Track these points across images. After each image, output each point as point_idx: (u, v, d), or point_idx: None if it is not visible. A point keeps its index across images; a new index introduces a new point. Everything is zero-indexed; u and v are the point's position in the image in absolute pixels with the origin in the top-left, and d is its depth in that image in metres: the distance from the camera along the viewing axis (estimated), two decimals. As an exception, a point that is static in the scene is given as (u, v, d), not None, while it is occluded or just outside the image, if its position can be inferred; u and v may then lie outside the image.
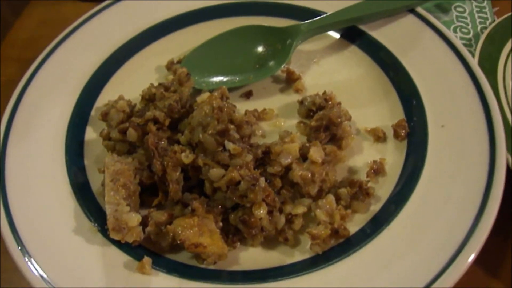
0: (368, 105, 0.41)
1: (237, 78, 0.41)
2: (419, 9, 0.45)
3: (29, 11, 0.58)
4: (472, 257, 0.31)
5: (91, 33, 0.45)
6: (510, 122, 0.40)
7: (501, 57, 0.45)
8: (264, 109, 0.40)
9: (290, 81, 0.42)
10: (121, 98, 0.40)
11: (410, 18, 0.45)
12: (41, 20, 0.56)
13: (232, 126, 0.35)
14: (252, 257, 0.34)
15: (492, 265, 0.36)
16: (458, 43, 0.42)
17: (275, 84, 0.42)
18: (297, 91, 0.41)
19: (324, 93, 0.40)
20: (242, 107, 0.40)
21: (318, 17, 0.44)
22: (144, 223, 0.34)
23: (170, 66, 0.43)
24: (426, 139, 0.38)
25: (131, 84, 0.43)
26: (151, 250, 0.34)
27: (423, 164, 0.36)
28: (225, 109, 0.36)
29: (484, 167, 0.35)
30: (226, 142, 0.34)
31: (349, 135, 0.38)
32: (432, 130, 0.38)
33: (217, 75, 0.41)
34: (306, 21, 0.43)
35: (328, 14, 0.44)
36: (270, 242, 0.35)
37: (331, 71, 0.43)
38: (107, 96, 0.42)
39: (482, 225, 0.32)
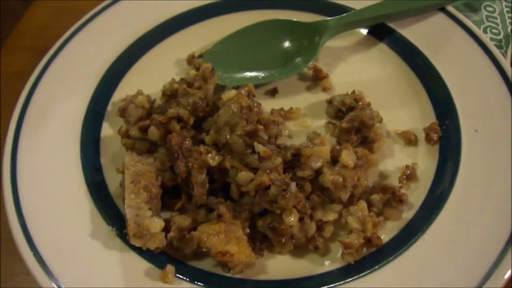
0: (397, 106, 0.39)
1: (262, 75, 0.39)
2: (450, 8, 0.43)
3: (40, 1, 0.56)
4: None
5: (108, 23, 0.43)
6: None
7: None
8: (291, 108, 0.38)
9: (317, 79, 0.40)
10: (140, 93, 0.38)
11: (441, 17, 0.43)
12: (53, 10, 0.53)
13: (261, 127, 0.33)
14: (280, 265, 0.32)
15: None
16: (491, 44, 0.41)
17: (301, 82, 0.40)
18: (325, 89, 0.39)
19: (353, 92, 0.38)
20: (267, 105, 0.38)
21: (347, 13, 0.42)
22: (166, 228, 0.32)
23: (191, 60, 0.41)
24: (460, 143, 0.36)
25: (150, 78, 0.41)
26: (173, 257, 0.32)
27: (457, 170, 0.35)
28: (255, 109, 0.34)
29: None
30: (255, 144, 0.32)
31: (381, 138, 0.36)
32: (466, 134, 0.37)
33: (241, 71, 0.39)
34: (334, 17, 0.41)
35: (356, 10, 0.42)
36: (299, 250, 0.33)
37: (359, 70, 0.41)
38: (124, 90, 0.40)
39: None
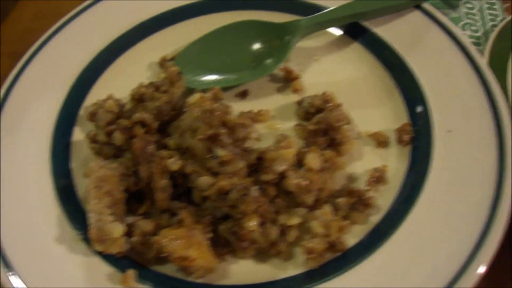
0: (370, 107, 0.39)
1: (232, 77, 0.39)
2: (426, 5, 0.42)
3: (24, 3, 0.56)
4: (481, 271, 0.29)
5: (82, 28, 0.43)
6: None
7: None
8: (260, 110, 0.38)
9: (288, 80, 0.39)
10: (110, 97, 0.38)
11: (417, 15, 0.42)
12: (36, 13, 0.53)
13: (223, 131, 0.33)
14: (243, 270, 0.32)
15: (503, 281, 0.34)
16: (467, 42, 0.40)
17: (272, 83, 0.40)
18: (296, 91, 0.39)
19: (324, 93, 0.38)
20: (237, 107, 0.37)
21: (319, 13, 0.41)
22: (129, 232, 0.33)
23: (163, 63, 0.41)
24: (432, 144, 0.35)
25: (123, 81, 0.40)
26: (137, 262, 0.32)
27: (427, 172, 0.34)
28: (217, 112, 0.34)
29: (492, 175, 0.33)
30: (216, 148, 0.32)
31: (350, 140, 0.35)
32: (438, 135, 0.36)
33: (211, 73, 0.39)
34: (306, 17, 0.40)
35: (329, 9, 0.41)
36: (262, 255, 0.32)
37: (332, 70, 0.41)
38: (97, 95, 0.40)
39: (491, 236, 0.30)
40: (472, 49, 0.39)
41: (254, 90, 0.39)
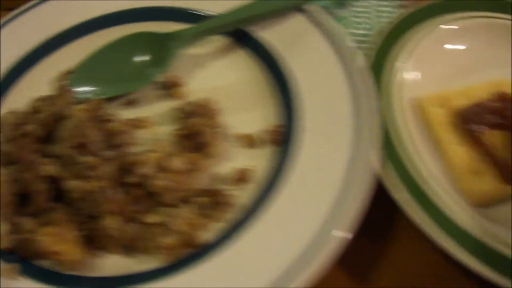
0: (249, 110, 0.41)
1: (120, 87, 0.41)
2: (310, 7, 0.44)
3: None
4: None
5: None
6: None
7: (392, 53, 0.43)
8: (142, 117, 0.40)
9: (172, 88, 0.42)
10: (11, 111, 0.43)
11: (299, 17, 0.44)
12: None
13: (93, 138, 0.36)
14: (111, 264, 0.35)
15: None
16: (343, 42, 0.41)
17: (157, 91, 0.42)
18: (178, 97, 0.41)
19: (201, 99, 0.40)
20: (124, 115, 0.41)
21: (204, 21, 0.43)
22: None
23: (61, 77, 0.44)
24: (296, 144, 0.37)
25: (30, 94, 0.43)
26: (22, 256, 0.36)
27: (286, 171, 0.36)
28: (90, 122, 0.37)
29: (341, 175, 0.35)
30: (81, 156, 0.35)
31: (215, 143, 0.38)
32: (304, 135, 0.37)
33: (101, 85, 0.42)
34: (190, 26, 0.43)
35: (214, 17, 0.44)
36: (129, 250, 0.35)
37: (217, 76, 0.43)
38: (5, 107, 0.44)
39: (342, 219, 0.32)
40: (348, 51, 0.40)
41: (141, 98, 0.42)
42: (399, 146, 0.38)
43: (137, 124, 0.41)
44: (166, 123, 0.41)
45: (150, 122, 0.41)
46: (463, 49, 0.47)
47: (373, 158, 0.35)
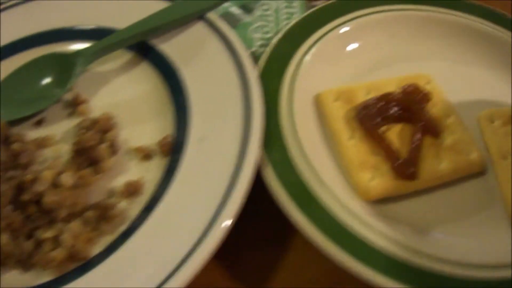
0: (146, 122, 0.41)
1: (24, 109, 0.43)
2: (210, 15, 0.44)
3: None
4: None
5: None
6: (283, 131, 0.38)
7: (295, 56, 0.43)
8: (46, 136, 0.42)
9: (76, 105, 0.43)
10: None
11: (200, 26, 0.44)
12: None
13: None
14: (10, 278, 0.36)
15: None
16: (238, 49, 0.41)
17: (65, 109, 0.43)
18: (81, 114, 0.43)
19: (100, 115, 0.41)
20: (34, 135, 0.42)
21: (105, 38, 0.44)
22: None
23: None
24: (184, 153, 0.38)
25: None
26: None
27: (170, 179, 0.37)
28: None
29: (226, 180, 0.35)
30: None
31: (105, 158, 0.39)
32: (191, 144, 0.38)
33: (6, 108, 0.43)
34: (90, 45, 0.44)
35: (115, 32, 0.44)
36: (28, 265, 0.37)
37: (120, 90, 0.44)
38: None
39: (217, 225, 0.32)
40: (243, 58, 0.40)
41: (49, 117, 0.43)
42: (293, 146, 0.38)
43: (42, 143, 0.42)
44: (70, 140, 0.42)
45: (55, 140, 0.42)
46: (366, 47, 0.46)
47: (256, 162, 0.35)
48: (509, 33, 0.48)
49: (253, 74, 0.39)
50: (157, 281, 0.32)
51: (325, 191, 0.35)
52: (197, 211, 0.35)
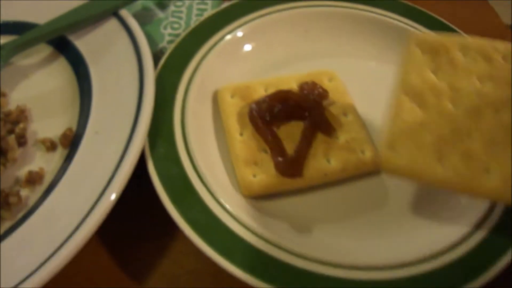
0: (55, 116, 0.44)
1: None
2: (123, 12, 0.46)
3: None
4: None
5: None
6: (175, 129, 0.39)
7: (198, 53, 0.44)
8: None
9: (-6, 99, 0.46)
10: None
11: (112, 23, 0.46)
12: None
13: None
14: None
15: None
16: (142, 45, 0.42)
17: (-13, 102, 0.47)
18: (1, 107, 0.45)
19: (15, 108, 0.44)
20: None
21: (25, 33, 0.46)
22: None
23: None
24: (80, 146, 0.40)
25: None
26: None
27: (65, 170, 0.39)
28: None
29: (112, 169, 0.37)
30: None
31: (13, 148, 0.41)
32: (88, 137, 0.40)
33: None
34: (11, 39, 0.47)
35: (35, 27, 0.46)
36: None
37: (38, 84, 0.46)
38: None
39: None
40: (145, 56, 0.41)
41: (-27, 109, 0.47)
42: (179, 140, 0.39)
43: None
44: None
45: (-29, 131, 0.46)
46: (272, 45, 0.47)
47: (138, 154, 0.37)
48: (425, 29, 0.47)
49: (149, 71, 0.40)
50: (43, 258, 0.34)
51: (201, 185, 0.37)
52: (83, 195, 0.37)
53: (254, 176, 0.38)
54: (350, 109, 0.43)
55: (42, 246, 0.36)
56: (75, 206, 0.37)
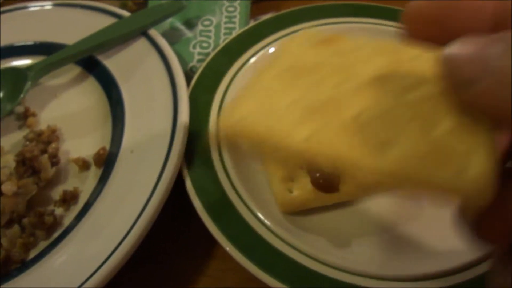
0: (87, 135, 0.44)
1: None
2: (152, 31, 0.46)
3: None
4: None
5: None
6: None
7: (229, 71, 0.44)
8: (-4, 148, 0.46)
9: (26, 118, 0.46)
10: None
11: (141, 42, 0.47)
12: None
13: None
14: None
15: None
16: (174, 64, 0.43)
17: (16, 122, 0.47)
18: (29, 126, 0.46)
19: (46, 127, 0.44)
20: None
21: (54, 53, 0.47)
22: None
23: None
24: (116, 165, 0.40)
25: None
26: None
27: (101, 189, 0.39)
28: None
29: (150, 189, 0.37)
30: None
31: (46, 168, 0.41)
32: (123, 156, 0.41)
33: None
34: (41, 59, 0.47)
35: (64, 48, 0.47)
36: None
37: (67, 104, 0.47)
38: None
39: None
40: (178, 76, 0.42)
41: (1, 129, 0.47)
42: (216, 158, 0.40)
43: (-10, 154, 0.46)
44: (17, 151, 0.45)
45: (3, 152, 0.45)
46: None
47: (175, 174, 0.37)
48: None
49: (183, 90, 0.41)
50: (80, 280, 0.34)
51: (239, 202, 0.37)
52: (121, 216, 0.37)
53: (291, 191, 0.39)
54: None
55: (80, 266, 0.36)
56: (113, 226, 0.37)
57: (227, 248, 0.35)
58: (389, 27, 0.50)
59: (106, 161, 0.42)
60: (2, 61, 0.49)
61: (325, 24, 0.50)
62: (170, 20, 0.50)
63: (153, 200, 0.36)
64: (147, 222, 0.35)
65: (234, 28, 0.48)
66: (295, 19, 0.49)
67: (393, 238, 0.39)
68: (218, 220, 0.36)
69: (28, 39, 0.50)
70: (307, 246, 0.36)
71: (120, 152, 0.41)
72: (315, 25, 0.49)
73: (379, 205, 0.40)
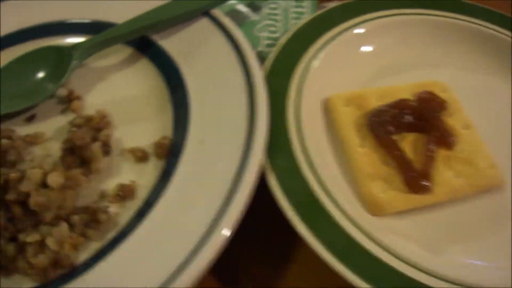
0: (142, 122, 0.39)
1: (15, 103, 0.40)
2: (215, 11, 0.42)
3: None
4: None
5: None
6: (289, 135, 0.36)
7: (304, 58, 0.40)
8: (36, 133, 0.39)
9: (69, 101, 0.41)
10: None
11: (203, 22, 0.42)
12: None
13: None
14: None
15: None
16: (245, 47, 0.38)
17: (58, 106, 0.41)
18: (74, 111, 0.40)
19: (94, 112, 0.39)
20: (25, 131, 0.40)
21: (102, 32, 0.42)
22: None
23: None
24: (182, 156, 0.35)
25: None
26: None
27: (165, 184, 0.34)
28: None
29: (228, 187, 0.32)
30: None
31: (98, 157, 0.36)
32: (190, 146, 0.36)
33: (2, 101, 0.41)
34: (87, 38, 0.42)
35: (113, 27, 0.42)
36: (10, 270, 0.35)
37: (118, 87, 0.41)
38: None
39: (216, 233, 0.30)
40: (251, 59, 0.37)
41: (41, 113, 0.41)
42: (299, 153, 0.35)
43: (31, 140, 0.39)
44: (61, 138, 0.39)
45: (45, 138, 0.40)
46: (379, 51, 0.44)
47: (259, 169, 0.33)
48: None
49: (259, 74, 0.37)
50: None
51: (332, 203, 0.32)
52: (193, 219, 0.32)
53: (382, 192, 0.35)
54: (467, 122, 0.40)
55: (145, 274, 0.31)
56: (185, 227, 0.32)
57: (323, 255, 0.30)
58: (454, 19, 0.47)
59: (169, 153, 0.37)
60: (47, 39, 0.44)
61: (395, 15, 0.47)
62: (232, 2, 0.45)
63: (236, 201, 0.31)
64: (229, 226, 0.30)
65: (303, 13, 0.44)
66: (371, 6, 0.45)
67: (486, 245, 0.35)
68: (308, 221, 0.31)
69: (75, 17, 0.45)
70: (406, 252, 0.32)
71: (187, 142, 0.36)
72: (388, 14, 0.45)
73: (469, 209, 0.37)
